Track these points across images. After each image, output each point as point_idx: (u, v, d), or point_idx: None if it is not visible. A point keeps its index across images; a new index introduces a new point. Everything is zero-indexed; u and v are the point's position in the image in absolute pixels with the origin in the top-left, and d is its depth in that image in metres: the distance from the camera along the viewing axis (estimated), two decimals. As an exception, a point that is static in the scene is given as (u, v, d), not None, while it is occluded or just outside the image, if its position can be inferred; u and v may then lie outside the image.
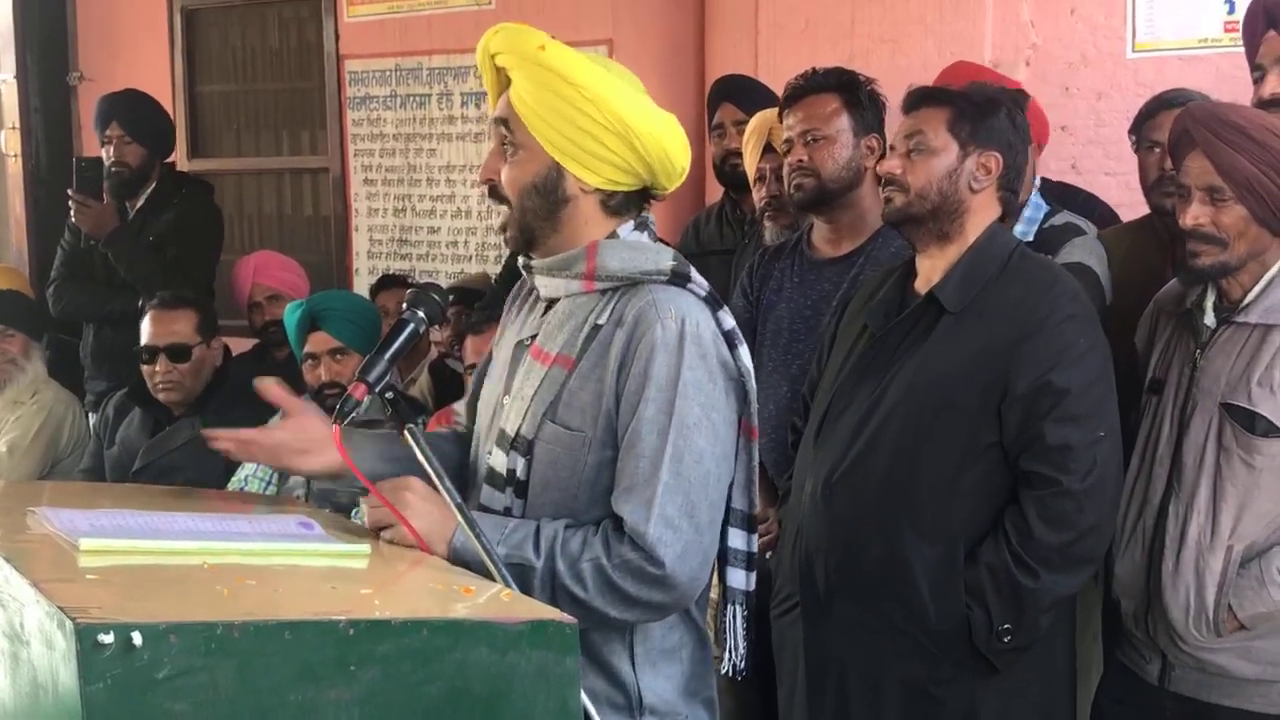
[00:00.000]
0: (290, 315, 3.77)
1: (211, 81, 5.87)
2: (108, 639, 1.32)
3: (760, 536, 3.06)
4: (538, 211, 2.01)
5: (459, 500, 1.87)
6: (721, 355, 1.98)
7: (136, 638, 1.33)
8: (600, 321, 1.98)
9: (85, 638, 1.31)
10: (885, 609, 2.55)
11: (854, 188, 3.07)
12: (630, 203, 2.05)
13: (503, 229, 2.06)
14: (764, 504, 3.10)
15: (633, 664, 2.01)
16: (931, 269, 2.61)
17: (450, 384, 4.15)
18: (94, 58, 6.11)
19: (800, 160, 3.06)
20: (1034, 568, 2.45)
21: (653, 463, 1.91)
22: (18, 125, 5.99)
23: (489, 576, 1.80)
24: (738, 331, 2.02)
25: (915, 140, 2.58)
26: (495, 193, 2.04)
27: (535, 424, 1.98)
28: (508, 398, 2.07)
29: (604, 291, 2.00)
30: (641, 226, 2.06)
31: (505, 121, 2.00)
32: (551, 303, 2.07)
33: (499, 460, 2.03)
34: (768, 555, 3.03)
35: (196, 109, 5.88)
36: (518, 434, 2.00)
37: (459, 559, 1.89)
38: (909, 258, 2.69)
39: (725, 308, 2.03)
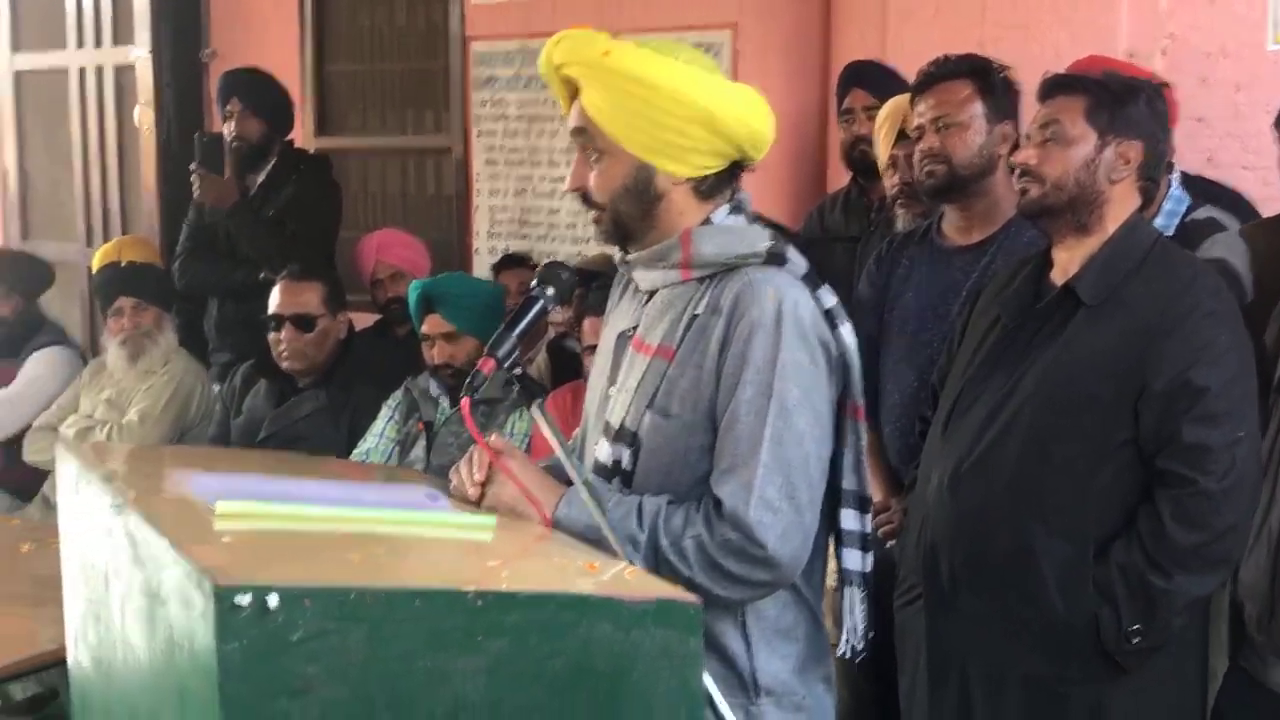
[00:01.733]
0: (411, 294, 3.85)
1: (339, 60, 5.94)
2: (245, 600, 1.35)
3: (883, 525, 3.06)
4: (632, 213, 2.01)
5: (586, 475, 1.88)
6: (822, 335, 1.97)
7: (273, 600, 1.35)
8: (698, 311, 1.98)
9: (223, 599, 1.34)
10: (1011, 604, 2.51)
11: (986, 175, 3.02)
12: (721, 183, 2.04)
13: (596, 224, 2.07)
14: (887, 493, 3.09)
15: (747, 644, 2.00)
16: (1068, 260, 2.55)
17: (568, 364, 4.17)
18: (226, 35, 6.22)
19: (931, 147, 3.01)
20: (1167, 568, 2.39)
21: (752, 444, 1.90)
22: (151, 101, 6.12)
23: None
24: (840, 309, 2.01)
25: (1051, 129, 2.52)
26: (587, 199, 2.04)
27: (638, 415, 1.99)
28: (613, 389, 2.08)
29: (701, 279, 2.00)
30: (737, 209, 2.05)
31: (583, 131, 2.00)
32: (651, 293, 2.07)
33: (604, 452, 2.04)
34: (888, 545, 3.01)
35: (324, 87, 5.95)
36: (622, 426, 2.01)
37: (564, 528, 1.91)
38: (1044, 248, 2.63)
39: (826, 286, 2.02)
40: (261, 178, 4.76)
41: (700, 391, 1.96)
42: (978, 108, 3.02)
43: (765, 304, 1.93)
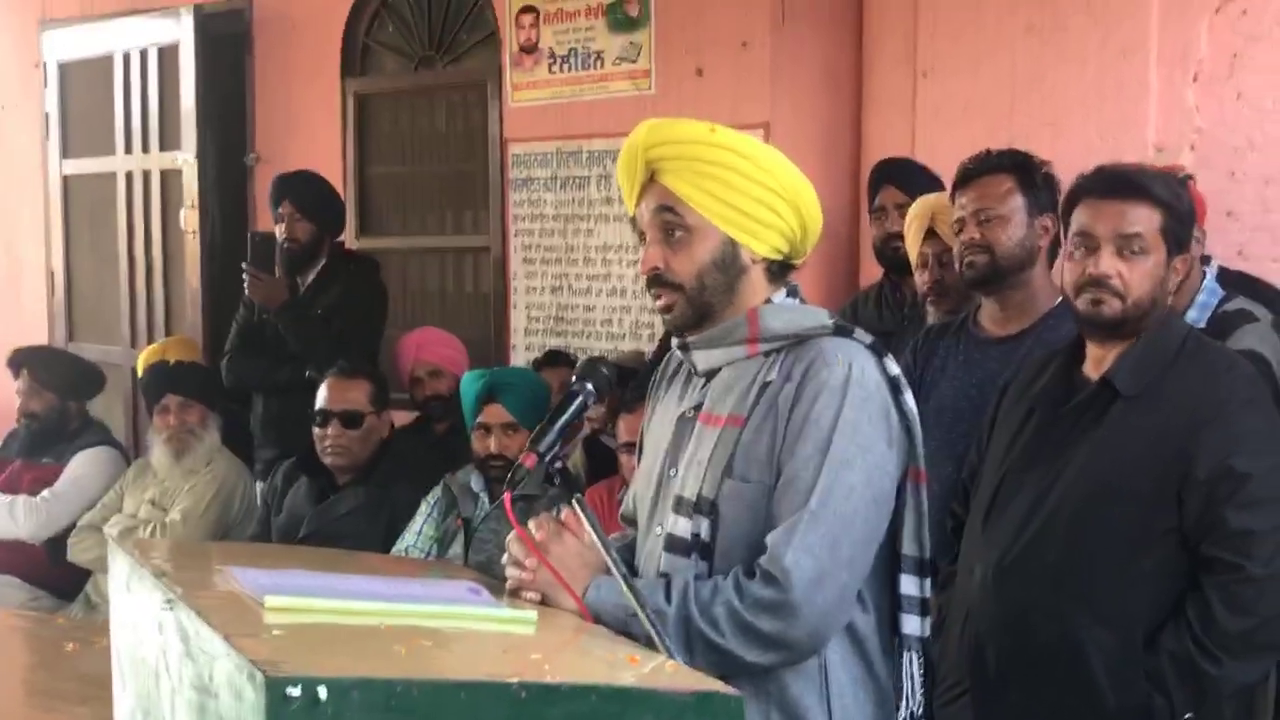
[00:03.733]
0: (471, 384, 3.87)
1: (381, 163, 6.07)
2: (295, 692, 1.38)
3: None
4: (718, 287, 2.07)
5: (624, 570, 1.91)
6: (885, 401, 2.02)
7: (322, 692, 1.38)
8: (769, 379, 2.03)
9: (274, 690, 1.37)
10: (1061, 696, 2.51)
11: (1026, 268, 3.06)
12: (784, 269, 2.13)
13: (666, 310, 2.10)
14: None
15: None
16: (1102, 355, 2.58)
17: (604, 460, 4.20)
18: (270, 139, 6.36)
19: (973, 238, 3.06)
20: (1217, 655, 2.40)
21: (804, 495, 1.95)
22: (196, 204, 6.24)
23: (630, 637, 1.86)
24: (903, 379, 2.07)
25: (1137, 242, 2.49)
26: (660, 281, 2.08)
27: (715, 484, 2.02)
28: (675, 469, 2.11)
29: (768, 353, 2.06)
30: (793, 294, 2.13)
31: (669, 209, 2.06)
32: (710, 374, 2.11)
33: (681, 526, 2.05)
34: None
35: (366, 189, 6.08)
36: (699, 497, 2.03)
37: (595, 612, 1.94)
38: (1073, 341, 2.66)
39: (890, 356, 2.08)
40: (311, 277, 4.84)
41: (774, 455, 2.00)
42: (1019, 201, 3.06)
43: (835, 368, 1.99)
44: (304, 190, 4.90)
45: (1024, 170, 3.09)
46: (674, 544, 2.06)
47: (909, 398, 2.05)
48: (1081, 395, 2.58)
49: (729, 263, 2.06)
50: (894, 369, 2.06)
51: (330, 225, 4.93)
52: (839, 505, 1.94)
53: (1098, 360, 2.59)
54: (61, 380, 5.22)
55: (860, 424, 1.97)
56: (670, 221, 2.06)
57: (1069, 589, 2.50)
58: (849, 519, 1.95)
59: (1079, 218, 2.54)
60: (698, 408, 2.10)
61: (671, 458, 2.13)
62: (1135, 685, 2.44)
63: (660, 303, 2.10)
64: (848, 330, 2.06)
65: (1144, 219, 2.49)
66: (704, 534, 2.02)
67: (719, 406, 2.06)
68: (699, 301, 2.07)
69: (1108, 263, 2.48)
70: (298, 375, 4.67)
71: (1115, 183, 2.53)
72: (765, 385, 2.03)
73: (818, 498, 1.94)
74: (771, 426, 2.01)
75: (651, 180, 2.08)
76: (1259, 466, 2.41)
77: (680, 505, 2.06)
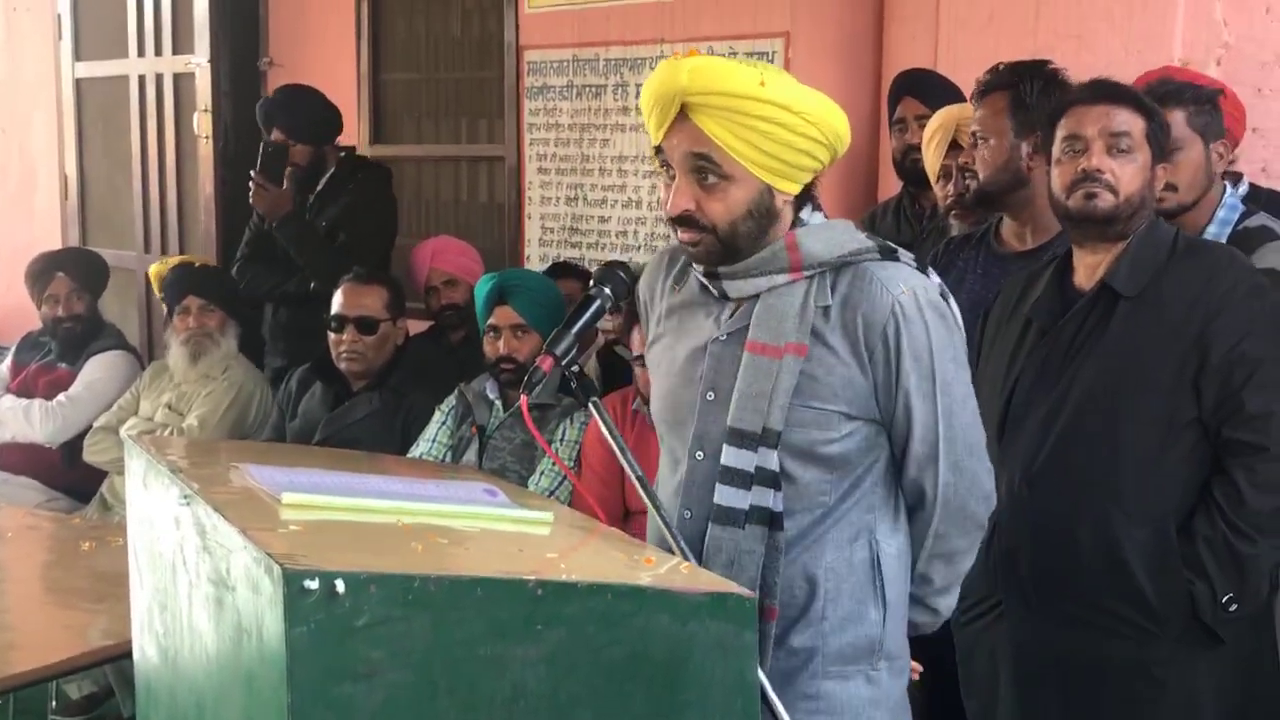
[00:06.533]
0: (482, 286, 3.86)
1: (395, 70, 6.00)
2: (313, 585, 1.39)
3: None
4: (750, 232, 2.03)
5: (640, 473, 1.91)
6: (948, 311, 2.06)
7: (339, 585, 1.39)
8: (824, 303, 2.02)
9: (292, 583, 1.38)
10: (1101, 595, 2.56)
11: (1016, 189, 3.07)
12: (806, 191, 2.09)
13: (692, 245, 2.05)
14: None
15: (884, 613, 2.08)
16: (1095, 263, 2.62)
17: (618, 371, 4.19)
18: (284, 44, 6.29)
19: (967, 161, 3.12)
20: (1251, 534, 2.47)
21: (930, 428, 2.03)
22: (209, 108, 6.20)
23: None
24: (945, 286, 2.11)
25: (1124, 140, 2.56)
26: (688, 221, 2.03)
27: (783, 416, 2.00)
28: (712, 393, 2.07)
29: (811, 276, 2.03)
30: (816, 206, 2.11)
31: (705, 157, 1.99)
32: (739, 301, 2.08)
33: (743, 459, 2.02)
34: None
35: (380, 96, 6.01)
36: (765, 430, 2.00)
37: None
38: (1060, 256, 2.71)
39: (929, 267, 2.11)
40: (320, 186, 4.79)
41: (853, 384, 2.01)
42: (1006, 123, 3.06)
43: (903, 299, 2.00)
44: (290, 112, 4.81)
45: (1018, 87, 3.06)
46: (733, 477, 2.03)
47: (954, 301, 2.09)
48: (1080, 302, 2.62)
49: (763, 210, 2.02)
50: (936, 278, 2.08)
51: (326, 137, 4.84)
52: (961, 420, 2.05)
53: (1090, 268, 2.63)
54: (97, 282, 5.25)
55: (944, 340, 2.03)
56: (705, 168, 1.99)
57: (1099, 490, 2.55)
58: (974, 423, 2.07)
59: (1066, 125, 2.61)
60: (735, 334, 2.06)
61: (709, 382, 2.08)
62: (1174, 575, 2.50)
63: (685, 238, 2.05)
64: (893, 252, 2.06)
65: (1130, 121, 2.56)
66: (771, 465, 2.01)
67: (771, 335, 2.02)
68: (730, 244, 2.03)
69: (1099, 159, 2.55)
70: (304, 286, 4.65)
71: (1100, 89, 2.61)
72: (822, 309, 2.02)
73: (943, 423, 2.02)
74: (844, 358, 2.01)
75: (683, 116, 1.98)
76: (1271, 349, 2.48)
77: (741, 439, 2.02)
